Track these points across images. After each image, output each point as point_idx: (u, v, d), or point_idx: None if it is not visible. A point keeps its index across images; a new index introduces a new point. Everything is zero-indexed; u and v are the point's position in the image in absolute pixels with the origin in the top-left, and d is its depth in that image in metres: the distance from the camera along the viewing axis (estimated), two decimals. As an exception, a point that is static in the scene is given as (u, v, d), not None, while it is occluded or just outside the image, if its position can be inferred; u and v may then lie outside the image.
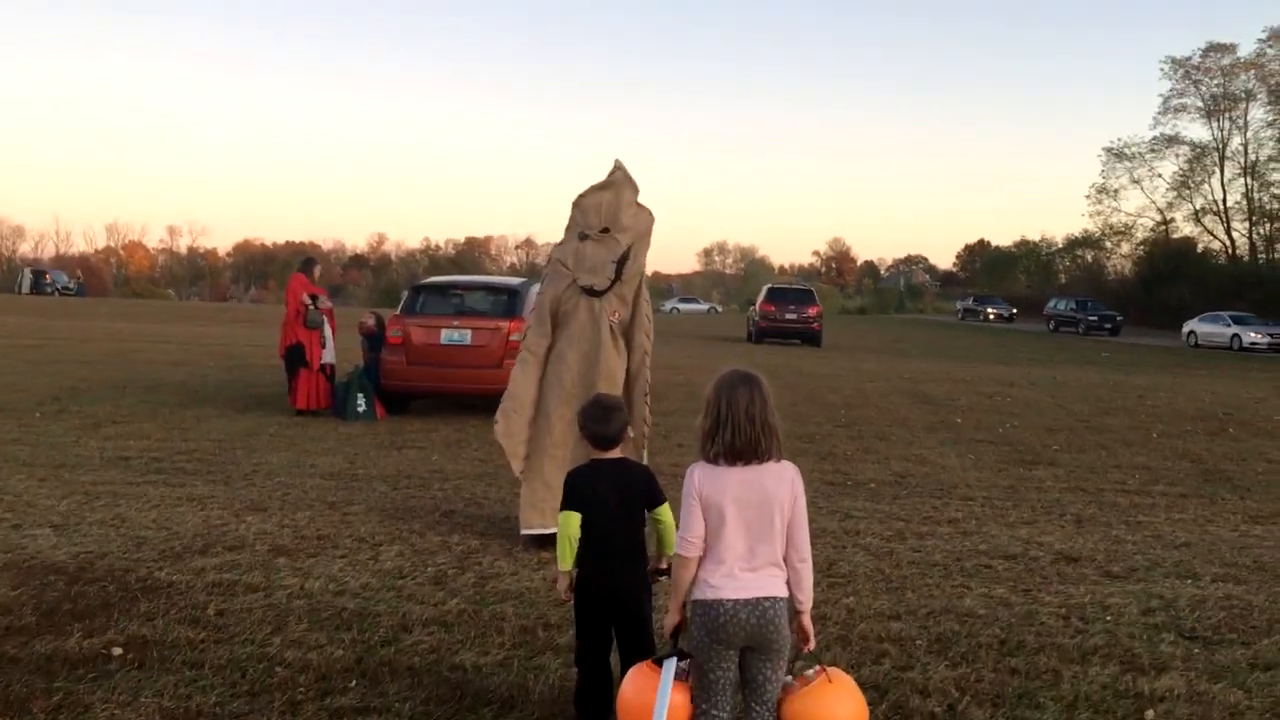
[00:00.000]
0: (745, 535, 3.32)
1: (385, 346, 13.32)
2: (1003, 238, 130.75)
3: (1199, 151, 68.51)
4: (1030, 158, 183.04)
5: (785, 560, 3.39)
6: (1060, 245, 77.97)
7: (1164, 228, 70.74)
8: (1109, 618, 5.74)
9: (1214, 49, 66.19)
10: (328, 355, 13.15)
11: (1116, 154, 71.20)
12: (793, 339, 34.73)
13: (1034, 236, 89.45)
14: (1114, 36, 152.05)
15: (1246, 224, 66.87)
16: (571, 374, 6.83)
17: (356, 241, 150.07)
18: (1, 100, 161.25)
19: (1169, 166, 70.90)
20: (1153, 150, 69.84)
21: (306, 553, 6.51)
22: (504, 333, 12.91)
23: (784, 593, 3.38)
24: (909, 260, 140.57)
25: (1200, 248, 69.44)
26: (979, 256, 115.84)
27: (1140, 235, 72.24)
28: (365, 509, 7.84)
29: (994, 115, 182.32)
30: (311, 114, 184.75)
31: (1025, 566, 6.80)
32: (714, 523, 3.34)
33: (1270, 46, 63.75)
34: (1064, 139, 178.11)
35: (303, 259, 13.85)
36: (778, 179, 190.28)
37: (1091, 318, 53.36)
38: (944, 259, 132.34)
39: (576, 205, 7.12)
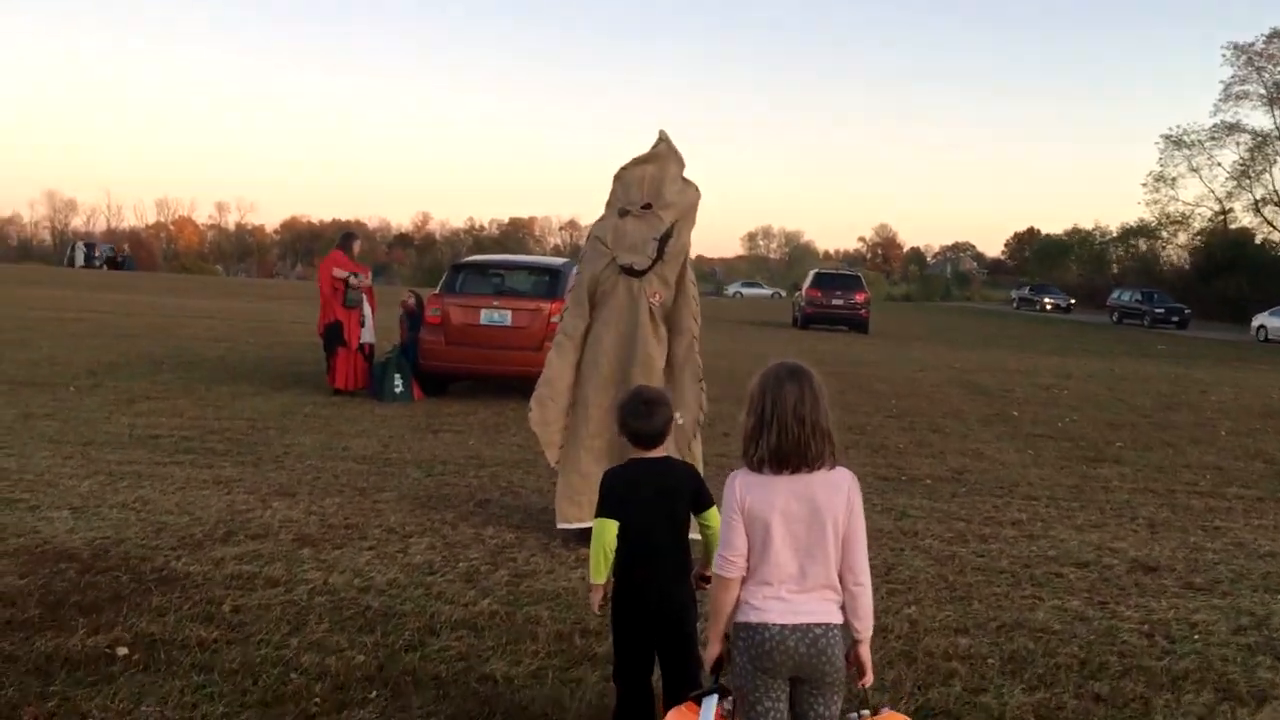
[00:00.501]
0: (795, 553, 2.92)
1: (424, 326, 12.99)
2: (1052, 226, 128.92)
3: (1260, 140, 66.63)
4: (1083, 146, 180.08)
5: (840, 582, 2.96)
6: (1115, 234, 76.32)
7: (1222, 218, 69.04)
8: (1196, 637, 5.26)
9: (1278, 35, 64.30)
10: (367, 335, 12.83)
11: (1175, 141, 69.48)
12: (839, 325, 34.14)
13: (1084, 225, 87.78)
14: (1175, 21, 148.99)
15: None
16: (609, 359, 6.42)
17: (401, 220, 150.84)
18: (56, 76, 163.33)
19: (1229, 155, 69.11)
20: (1213, 138, 68.05)
21: (333, 543, 6.17)
22: (545, 314, 12.53)
23: (838, 619, 2.97)
24: (956, 248, 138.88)
25: (1260, 239, 67.79)
26: (1028, 245, 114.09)
27: (1198, 225, 70.62)
28: (397, 496, 7.48)
29: (1047, 102, 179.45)
30: (358, 93, 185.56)
31: (1100, 575, 6.31)
32: (759, 539, 2.94)
33: (1336, 33, 61.86)
34: (1118, 127, 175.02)
35: (341, 234, 13.51)
36: (824, 163, 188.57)
37: (1158, 310, 51.44)
38: (992, 247, 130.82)
39: (618, 179, 6.66)
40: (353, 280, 12.67)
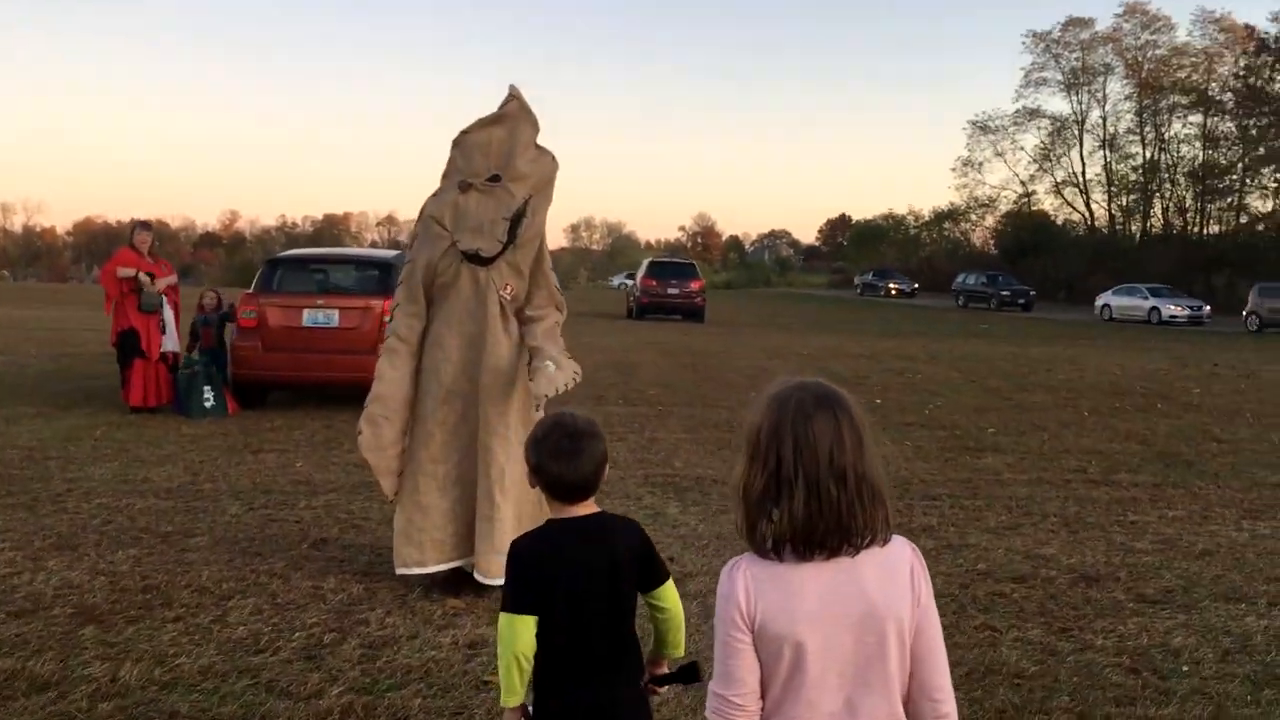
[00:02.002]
0: (840, 682, 1.89)
1: (237, 330, 11.46)
2: (864, 212, 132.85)
3: (1059, 124, 69.92)
4: (892, 133, 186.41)
5: (912, 710, 1.94)
6: (928, 218, 78.72)
7: (1026, 200, 72.06)
8: (1186, 668, 4.50)
9: (1073, 23, 67.44)
10: (169, 343, 11.20)
11: (981, 127, 72.21)
12: (674, 314, 33.54)
13: (896, 210, 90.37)
14: (979, 8, 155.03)
15: (1105, 196, 68.55)
16: (452, 366, 5.26)
17: (208, 219, 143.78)
18: None
19: (1031, 139, 72.24)
20: (1015, 123, 71.03)
21: (126, 616, 4.81)
22: (376, 313, 11.20)
23: None
24: (773, 235, 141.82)
25: (1061, 220, 71.02)
26: (841, 231, 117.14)
27: (1004, 208, 73.50)
28: (210, 542, 6.13)
29: (857, 91, 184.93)
30: (152, 85, 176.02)
31: (1045, 593, 5.54)
32: (782, 666, 1.88)
33: (1126, 21, 65.30)
34: (925, 114, 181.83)
35: (130, 228, 11.71)
36: (644, 154, 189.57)
37: (1004, 292, 50.97)
38: (806, 234, 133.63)
39: (457, 145, 5.40)
40: (143, 278, 11.02)
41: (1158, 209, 66.15)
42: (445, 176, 5.46)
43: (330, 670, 4.22)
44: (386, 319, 5.65)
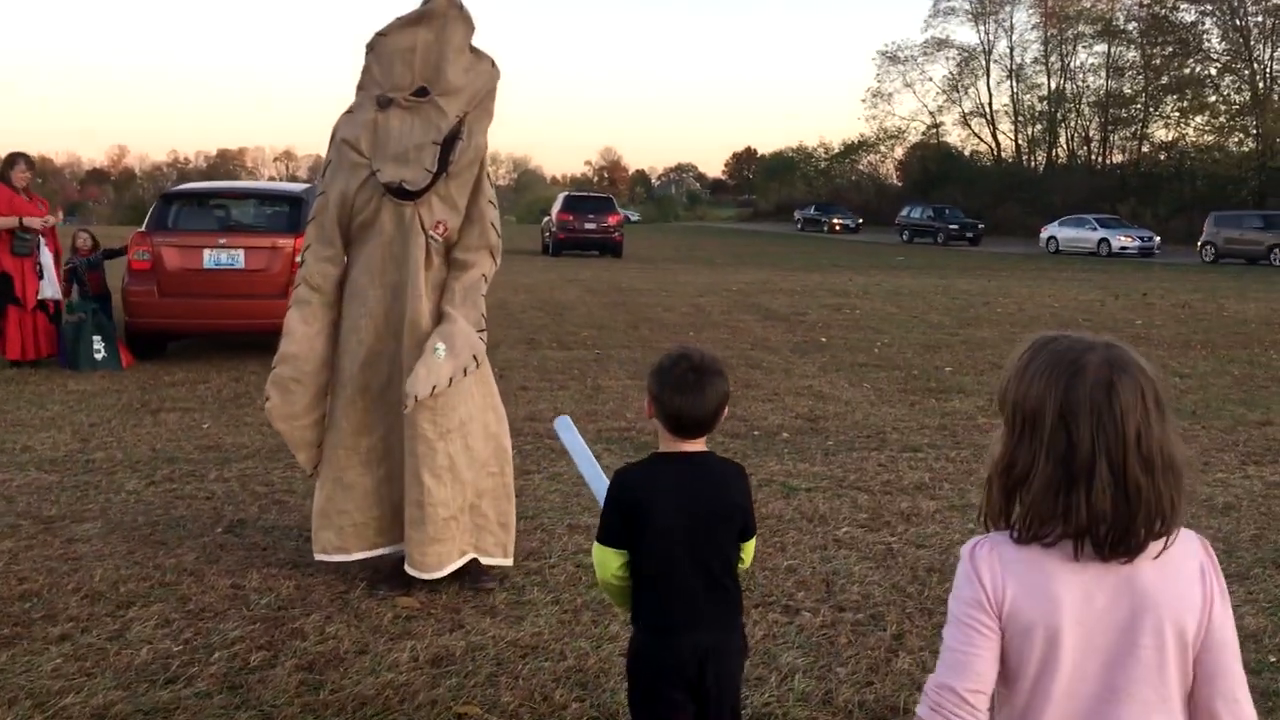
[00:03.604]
0: (1100, 690, 1.56)
1: (129, 273, 10.28)
2: (770, 145, 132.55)
3: (967, 55, 69.99)
4: (796, 64, 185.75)
5: None
6: (838, 150, 78.45)
7: (935, 131, 72.18)
8: (1274, 658, 3.88)
9: (983, -49, 67.16)
10: (48, 289, 9.98)
11: (890, 57, 72.04)
12: (592, 250, 32.59)
13: (804, 142, 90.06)
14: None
15: (1012, 127, 68.94)
16: (374, 322, 4.38)
17: (95, 155, 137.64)
18: None
19: (939, 70, 72.34)
20: (924, 54, 70.96)
21: (-3, 635, 3.88)
22: (286, 252, 10.16)
23: None
24: (679, 169, 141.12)
25: (969, 151, 71.34)
26: (747, 165, 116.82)
27: (913, 139, 73.57)
28: (104, 529, 5.16)
29: (761, 20, 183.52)
30: (37, 10, 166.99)
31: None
32: (1031, 661, 1.57)
33: (1033, -50, 65.15)
34: (832, 45, 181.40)
35: (2, 161, 10.37)
36: (547, 88, 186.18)
37: (951, 226, 47.80)
38: (712, 168, 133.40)
39: (373, 50, 4.39)
40: (28, 224, 9.80)
41: (1063, 139, 66.81)
42: (360, 89, 4.46)
43: (263, 708, 3.35)
44: (298, 260, 4.65)
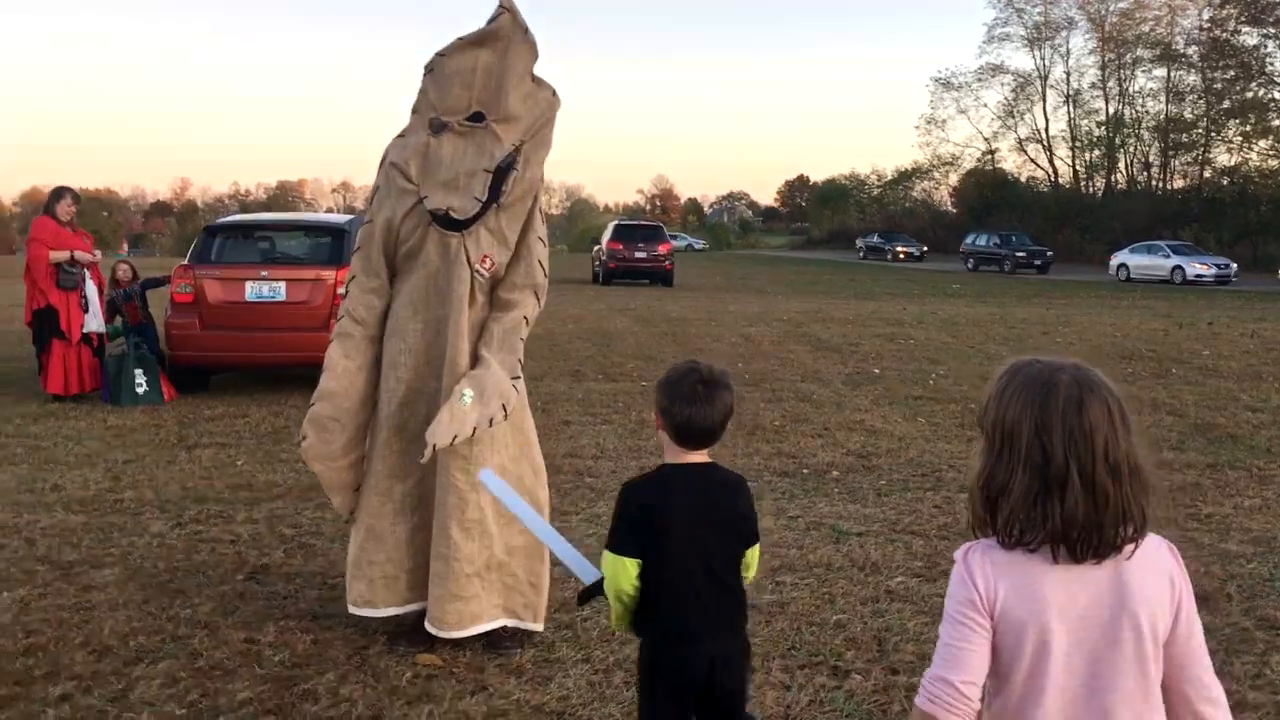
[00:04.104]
0: (1087, 687, 1.69)
1: (172, 306, 10.21)
2: (822, 172, 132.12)
3: (1022, 80, 69.25)
4: (850, 91, 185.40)
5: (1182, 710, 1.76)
6: (892, 177, 77.81)
7: (990, 157, 71.38)
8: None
9: (1038, -23, 66.50)
10: (92, 322, 9.95)
11: (944, 84, 71.52)
12: (643, 279, 32.38)
13: (856, 169, 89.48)
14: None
15: (1069, 153, 67.97)
16: (414, 359, 4.11)
17: (159, 187, 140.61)
18: None
19: (994, 96, 71.62)
20: (979, 80, 70.53)
21: (-4, 694, 3.68)
22: (328, 285, 10.04)
23: None
24: (731, 196, 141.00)
25: (1024, 177, 70.42)
26: (799, 191, 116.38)
27: (967, 165, 72.80)
28: (122, 575, 4.97)
29: (812, 48, 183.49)
30: (104, 50, 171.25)
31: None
32: (1022, 660, 1.70)
33: (1090, -26, 64.38)
34: (886, 72, 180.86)
35: (50, 194, 10.35)
36: (600, 117, 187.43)
37: (1019, 254, 45.99)
38: (764, 194, 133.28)
39: (431, 72, 4.15)
40: (79, 258, 9.80)
41: (1122, 165, 65.72)
42: (415, 111, 4.22)
43: (264, 784, 3.11)
44: (340, 291, 4.43)
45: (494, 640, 4.06)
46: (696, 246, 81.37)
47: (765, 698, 3.68)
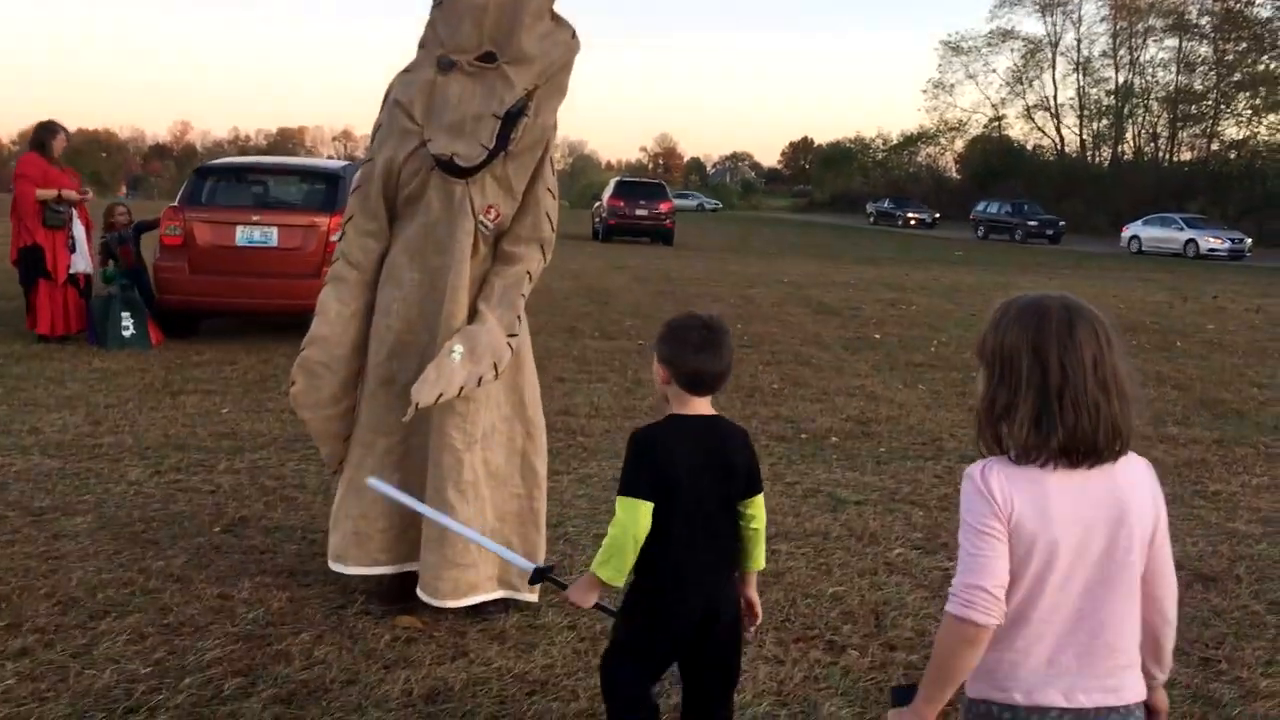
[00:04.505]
0: (1086, 591, 1.85)
1: (160, 249, 9.99)
2: (827, 134, 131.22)
3: (1033, 46, 68.54)
4: (856, 54, 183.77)
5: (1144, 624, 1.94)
6: (897, 141, 77.22)
7: (997, 124, 70.78)
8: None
9: (1051, -58, 65.60)
10: (79, 263, 9.73)
11: (953, 48, 70.75)
12: (643, 237, 32.09)
13: (861, 133, 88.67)
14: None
15: (1077, 122, 67.40)
16: (408, 308, 3.90)
17: (158, 130, 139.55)
18: None
19: (1004, 61, 70.94)
20: (988, 44, 69.62)
21: (-49, 649, 3.51)
22: (322, 231, 9.83)
23: (1143, 692, 1.92)
24: (734, 157, 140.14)
25: (1031, 145, 69.88)
26: (803, 154, 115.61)
27: (973, 131, 72.21)
28: (94, 524, 4.80)
29: (820, 8, 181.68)
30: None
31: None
32: (1030, 567, 1.84)
33: (1104, -60, 63.50)
34: (892, 35, 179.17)
35: (36, 129, 10.09)
36: (604, 73, 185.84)
37: (1031, 223, 45.10)
38: (768, 156, 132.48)
39: (440, 5, 3.90)
40: (66, 196, 9.56)
41: (1130, 135, 65.16)
42: (422, 47, 3.97)
43: (228, 752, 2.95)
44: (335, 237, 4.20)
45: (478, 604, 3.89)
46: (708, 206, 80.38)
47: (758, 671, 3.53)
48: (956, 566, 1.87)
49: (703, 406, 2.60)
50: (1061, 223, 46.11)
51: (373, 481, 3.32)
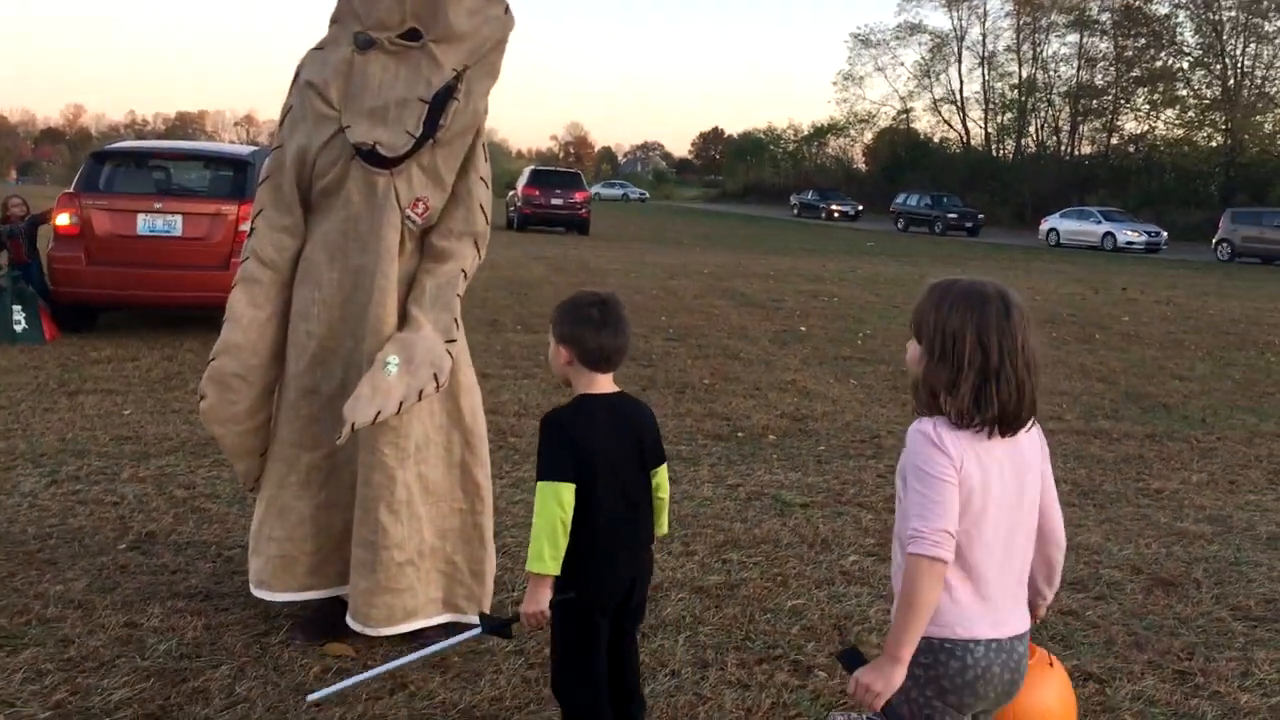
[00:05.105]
0: (1004, 535, 2.12)
1: (55, 238, 9.40)
2: (737, 125, 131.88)
3: (940, 41, 69.52)
4: (766, 44, 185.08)
5: (1039, 557, 2.26)
6: (808, 132, 77.84)
7: (905, 116, 71.75)
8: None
9: (958, -65, 66.59)
10: (-36, 252, 9.12)
11: (863, 40, 71.55)
12: (558, 226, 31.72)
13: (773, 124, 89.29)
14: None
15: (982, 115, 68.60)
16: (328, 312, 3.54)
17: (50, 113, 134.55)
18: None
19: (912, 55, 71.95)
20: (897, 38, 70.47)
21: None
22: (230, 220, 9.34)
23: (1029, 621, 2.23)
24: (645, 146, 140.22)
25: (938, 138, 70.96)
26: (714, 144, 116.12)
27: (882, 124, 73.11)
28: (-15, 542, 4.37)
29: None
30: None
31: (1123, 608, 4.24)
32: (970, 514, 2.07)
33: (1009, -64, 64.63)
34: (802, 25, 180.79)
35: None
36: (514, 58, 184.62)
37: (950, 215, 45.48)
38: (679, 146, 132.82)
39: None
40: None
41: (1033, 129, 66.51)
42: (334, 21, 3.57)
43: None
44: (248, 228, 3.79)
45: (416, 629, 3.58)
46: (633, 196, 79.40)
47: (724, 698, 3.28)
48: (910, 512, 2.03)
49: (608, 384, 2.65)
50: (980, 215, 46.39)
51: (312, 698, 3.01)
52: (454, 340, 3.49)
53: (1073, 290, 19.04)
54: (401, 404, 3.27)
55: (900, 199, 49.64)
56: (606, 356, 2.60)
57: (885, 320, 13.32)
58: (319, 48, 3.60)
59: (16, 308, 9.06)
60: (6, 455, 5.66)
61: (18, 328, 9.01)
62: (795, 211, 59.02)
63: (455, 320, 3.53)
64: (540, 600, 2.51)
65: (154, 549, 4.40)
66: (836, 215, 55.46)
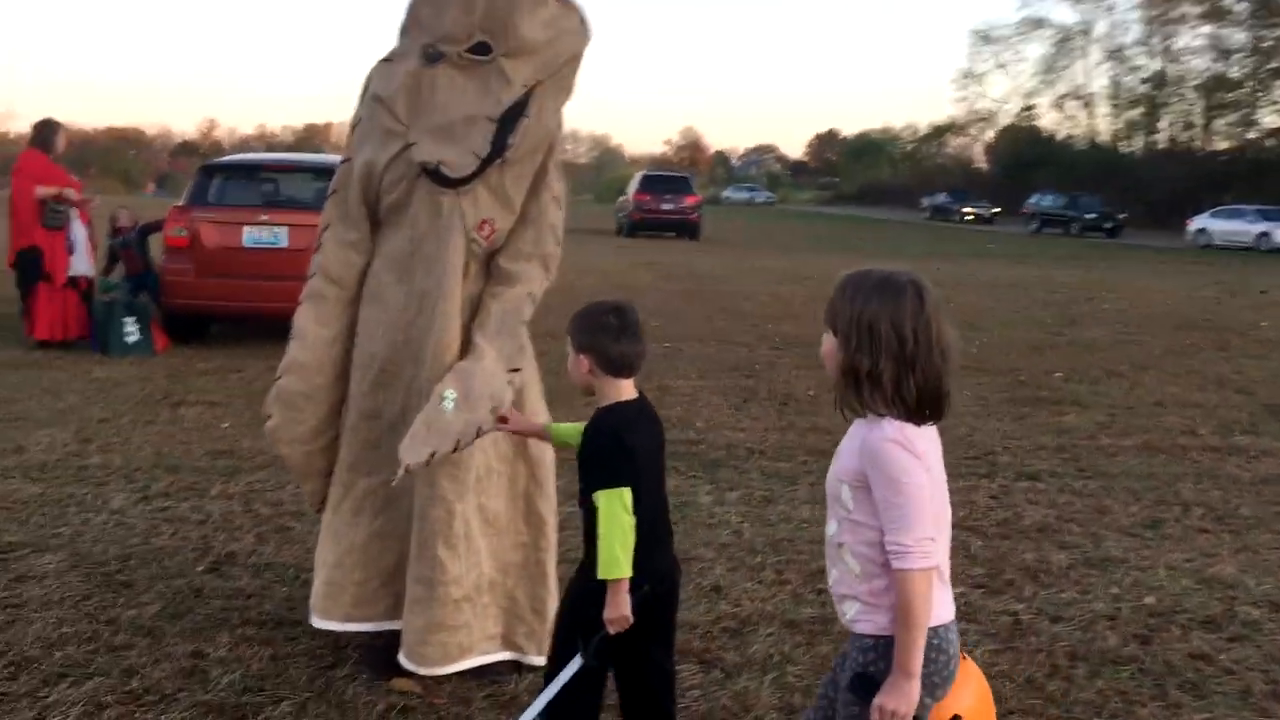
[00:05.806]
0: (945, 516, 2.14)
1: (166, 251, 9.57)
2: (853, 126, 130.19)
3: (1064, 35, 67.37)
4: (884, 43, 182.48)
5: None
6: (926, 132, 76.31)
7: (1028, 114, 69.74)
8: None
9: (1082, -72, 64.46)
10: (79, 264, 9.33)
11: (983, 37, 69.80)
12: (669, 231, 31.59)
13: (889, 124, 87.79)
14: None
15: (1109, 111, 66.25)
16: (392, 333, 3.38)
17: (185, 127, 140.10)
18: None
19: (1035, 50, 69.93)
20: (1019, 34, 68.51)
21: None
22: (333, 231, 9.34)
23: None
24: (760, 149, 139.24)
25: (1063, 135, 68.78)
26: (829, 145, 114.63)
27: (1003, 122, 71.17)
28: (65, 563, 4.32)
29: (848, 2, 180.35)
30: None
31: (1262, 652, 3.83)
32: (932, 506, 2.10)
33: (1137, -74, 62.30)
34: (920, 23, 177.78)
35: (36, 126, 9.68)
36: (629, 65, 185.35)
37: (1088, 215, 42.92)
38: (793, 148, 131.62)
39: None
40: (66, 195, 9.17)
41: (1164, 124, 63.90)
42: (404, 33, 3.41)
43: None
44: (316, 243, 3.65)
45: (484, 665, 3.39)
46: (759, 200, 77.73)
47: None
48: (894, 524, 2.00)
49: (631, 389, 2.66)
50: (1121, 215, 43.61)
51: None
52: (518, 369, 3.29)
53: (1206, 294, 18.09)
54: (458, 443, 3.08)
55: (1034, 199, 47.25)
56: (629, 363, 2.62)
57: (1005, 327, 12.81)
58: (387, 60, 3.44)
59: (129, 319, 9.23)
60: (103, 470, 5.68)
61: (129, 339, 9.17)
62: (927, 215, 56.65)
63: (521, 348, 3.33)
64: (623, 604, 2.50)
65: (232, 571, 4.31)
66: (971, 217, 53.02)
